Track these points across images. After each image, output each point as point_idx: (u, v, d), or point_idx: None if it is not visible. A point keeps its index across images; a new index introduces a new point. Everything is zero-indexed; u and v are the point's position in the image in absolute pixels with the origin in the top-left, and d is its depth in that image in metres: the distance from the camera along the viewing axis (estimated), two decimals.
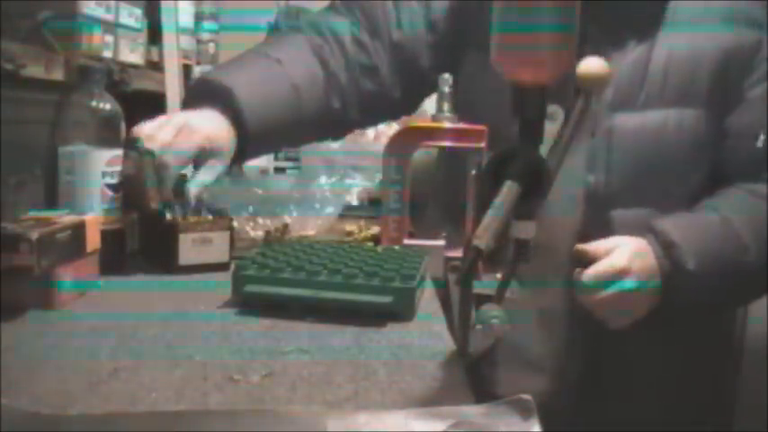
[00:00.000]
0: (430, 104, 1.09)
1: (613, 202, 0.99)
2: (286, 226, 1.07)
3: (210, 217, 0.94)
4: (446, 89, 1.02)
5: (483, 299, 0.66)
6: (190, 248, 0.90)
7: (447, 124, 1.00)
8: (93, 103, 0.87)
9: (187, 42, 1.51)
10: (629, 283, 0.91)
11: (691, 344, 1.00)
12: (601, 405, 1.00)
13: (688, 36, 0.99)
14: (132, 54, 1.14)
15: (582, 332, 0.99)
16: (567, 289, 0.96)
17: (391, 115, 1.23)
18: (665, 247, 0.93)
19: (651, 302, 0.93)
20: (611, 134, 0.98)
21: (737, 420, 1.47)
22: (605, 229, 0.97)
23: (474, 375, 0.63)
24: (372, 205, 1.22)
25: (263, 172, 1.60)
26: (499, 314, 0.58)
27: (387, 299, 0.73)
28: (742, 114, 1.00)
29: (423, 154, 1.06)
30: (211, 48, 1.71)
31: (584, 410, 1.00)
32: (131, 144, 0.86)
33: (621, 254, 0.91)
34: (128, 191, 0.87)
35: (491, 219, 0.51)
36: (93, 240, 0.80)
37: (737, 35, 0.99)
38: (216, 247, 0.91)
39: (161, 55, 1.33)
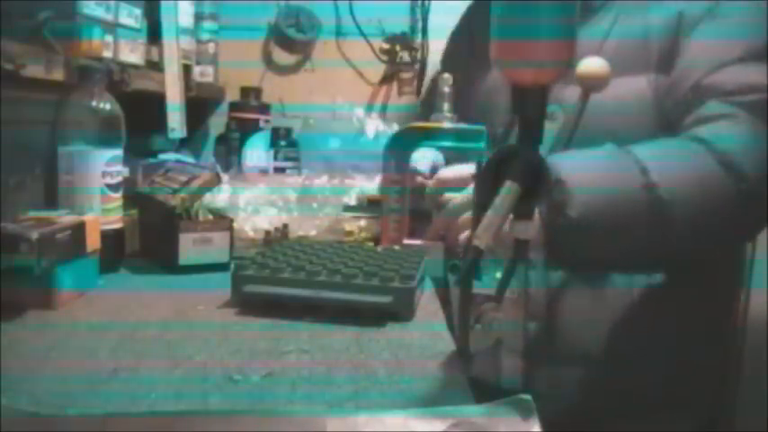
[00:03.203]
0: None
1: None
2: (286, 226, 1.07)
3: (210, 217, 0.94)
4: (446, 89, 1.02)
5: (483, 299, 0.66)
6: (190, 248, 0.90)
7: (447, 124, 1.00)
8: (93, 103, 0.87)
9: (187, 42, 1.51)
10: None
11: (683, 320, 1.00)
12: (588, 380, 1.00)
13: (643, 11, 1.02)
14: (132, 54, 1.14)
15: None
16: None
17: None
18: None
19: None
20: (563, 106, 0.97)
21: (738, 420, 1.47)
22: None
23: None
24: (372, 205, 1.22)
25: (263, 172, 1.60)
26: (499, 314, 0.58)
27: (386, 299, 0.73)
28: (680, 62, 0.99)
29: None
30: (211, 48, 1.71)
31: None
32: None
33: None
34: None
35: (491, 219, 0.51)
36: (93, 240, 0.80)
37: (684, 6, 1.00)
38: (216, 247, 0.91)
39: (161, 55, 1.33)
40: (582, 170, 0.83)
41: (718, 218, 0.86)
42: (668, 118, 0.99)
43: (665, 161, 0.86)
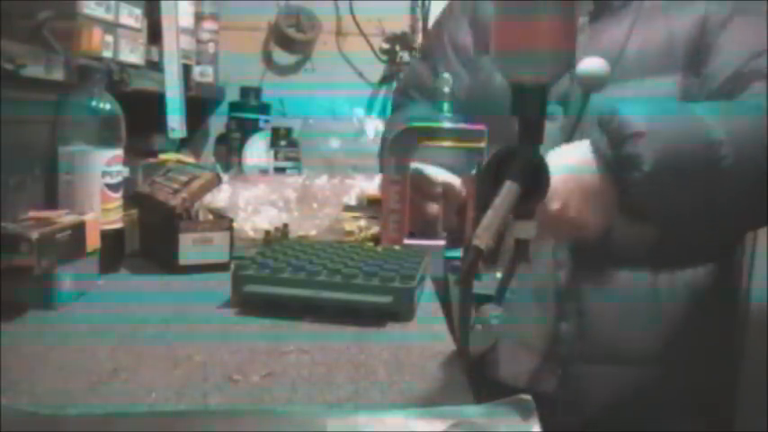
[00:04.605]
0: None
1: None
2: (286, 226, 1.07)
3: (210, 217, 0.94)
4: (446, 89, 1.02)
5: (483, 299, 0.66)
6: (190, 248, 0.90)
7: (447, 124, 1.00)
8: (93, 103, 0.87)
9: (187, 42, 1.51)
10: None
11: (689, 309, 1.00)
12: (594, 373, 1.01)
13: (665, 15, 1.02)
14: (132, 54, 1.14)
15: (572, 304, 1.00)
16: (554, 260, 0.98)
17: None
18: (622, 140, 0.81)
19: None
20: (586, 108, 0.98)
21: (738, 420, 1.47)
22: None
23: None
24: (372, 205, 1.22)
25: (263, 172, 1.60)
26: (499, 314, 0.58)
27: (386, 299, 0.73)
28: (716, 57, 0.99)
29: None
30: (211, 48, 1.71)
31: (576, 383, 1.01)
32: None
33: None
34: None
35: (491, 219, 0.51)
36: (93, 240, 0.80)
37: (707, 9, 1.01)
38: (216, 247, 0.91)
39: (161, 55, 1.33)
40: (655, 123, 0.81)
41: None
42: None
43: (729, 120, 0.85)
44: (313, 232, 1.09)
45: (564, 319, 1.00)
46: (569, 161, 0.83)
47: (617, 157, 0.80)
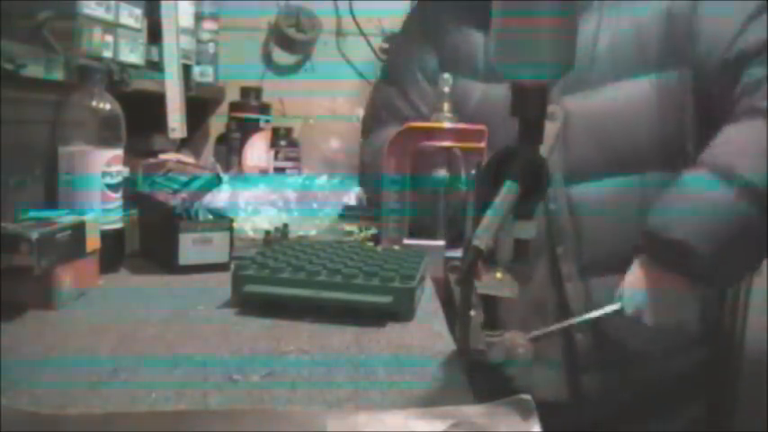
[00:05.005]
0: None
1: (571, 178, 1.01)
2: (286, 226, 1.07)
3: (210, 217, 0.94)
4: (446, 89, 1.02)
5: (483, 298, 0.66)
6: (190, 248, 0.90)
7: (447, 124, 1.00)
8: (93, 103, 0.87)
9: (187, 42, 1.51)
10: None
11: None
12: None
13: (629, 11, 1.03)
14: (132, 54, 1.14)
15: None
16: (549, 271, 1.00)
17: None
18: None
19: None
20: (566, 116, 0.98)
21: (738, 420, 1.47)
22: (568, 205, 0.97)
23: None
24: (372, 205, 1.22)
25: (263, 172, 1.60)
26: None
27: (386, 299, 0.73)
28: (698, 47, 1.00)
29: None
30: (211, 48, 1.71)
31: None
32: None
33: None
34: None
35: (491, 219, 0.51)
36: (93, 240, 0.80)
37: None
38: (216, 247, 0.91)
39: (161, 55, 1.33)
40: (697, 224, 0.88)
41: None
42: (710, 99, 0.99)
43: (747, 155, 0.90)
44: (313, 232, 1.09)
45: (579, 330, 1.01)
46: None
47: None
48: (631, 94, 1.00)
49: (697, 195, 0.90)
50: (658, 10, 1.01)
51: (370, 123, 1.32)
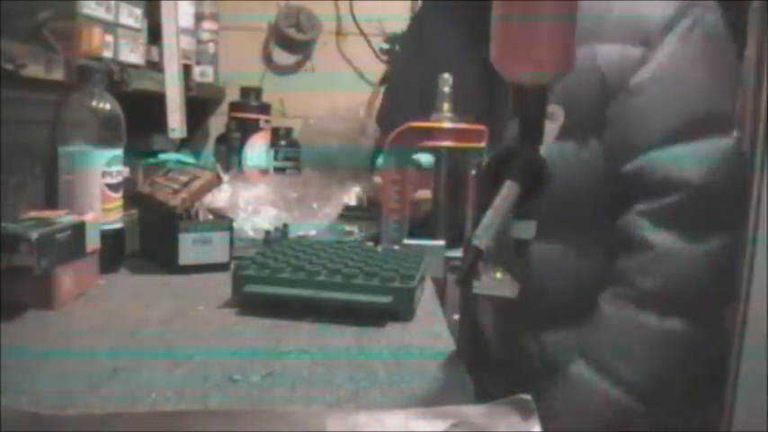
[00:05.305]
0: None
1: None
2: (286, 226, 1.07)
3: (210, 217, 0.94)
4: (446, 89, 1.02)
5: (483, 298, 0.66)
6: (190, 248, 0.90)
7: (447, 124, 1.00)
8: (93, 103, 0.86)
9: (187, 42, 1.51)
10: None
11: None
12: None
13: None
14: (132, 54, 1.14)
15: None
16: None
17: None
18: None
19: None
20: None
21: (738, 420, 1.47)
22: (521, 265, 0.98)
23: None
24: (372, 205, 1.22)
25: (263, 172, 1.60)
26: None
27: (386, 299, 0.73)
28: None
29: None
30: (211, 48, 1.71)
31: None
32: None
33: None
34: None
35: (491, 219, 0.51)
36: (93, 240, 0.80)
37: (623, 48, 0.98)
38: (216, 247, 0.91)
39: (161, 55, 1.33)
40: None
41: None
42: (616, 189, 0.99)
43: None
44: (313, 232, 1.09)
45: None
46: None
47: None
48: (577, 154, 0.99)
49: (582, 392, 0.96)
50: (597, 67, 0.98)
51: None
